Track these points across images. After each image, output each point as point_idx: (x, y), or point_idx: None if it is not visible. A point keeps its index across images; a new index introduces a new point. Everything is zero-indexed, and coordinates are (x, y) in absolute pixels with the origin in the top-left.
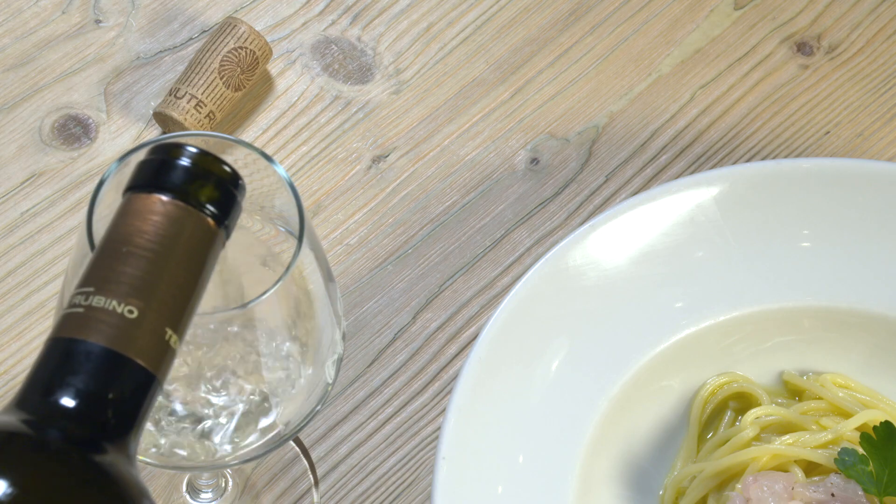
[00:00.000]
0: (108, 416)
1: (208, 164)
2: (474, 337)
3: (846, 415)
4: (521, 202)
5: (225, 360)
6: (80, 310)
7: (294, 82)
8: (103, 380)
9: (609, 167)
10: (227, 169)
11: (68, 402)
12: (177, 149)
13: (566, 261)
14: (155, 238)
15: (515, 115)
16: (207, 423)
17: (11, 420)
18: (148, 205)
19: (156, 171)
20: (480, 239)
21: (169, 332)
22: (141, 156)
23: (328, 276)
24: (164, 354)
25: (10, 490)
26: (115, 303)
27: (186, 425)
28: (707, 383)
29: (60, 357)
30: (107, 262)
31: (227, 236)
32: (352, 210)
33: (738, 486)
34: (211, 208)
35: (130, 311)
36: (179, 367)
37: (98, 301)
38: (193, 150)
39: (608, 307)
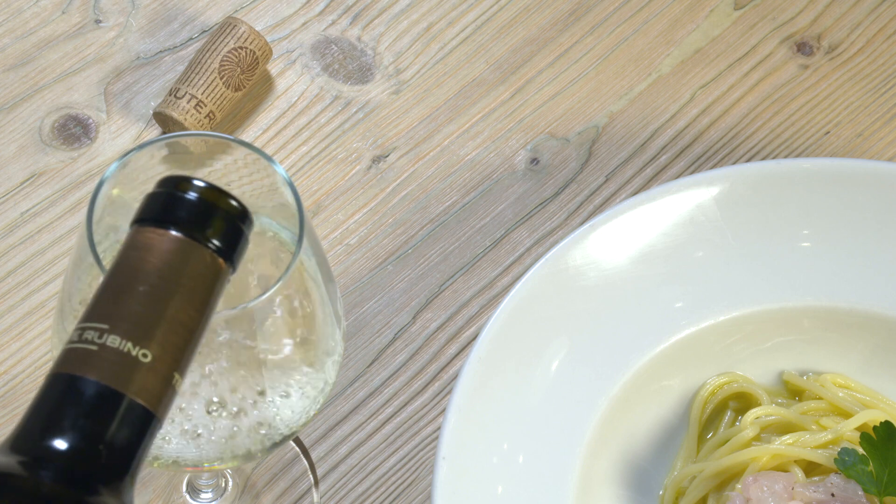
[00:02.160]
0: (112, 459)
1: (216, 199)
2: (474, 337)
3: (846, 415)
4: (521, 202)
5: (225, 360)
6: (94, 347)
7: (294, 82)
8: (114, 423)
9: (609, 167)
10: (234, 204)
11: (72, 443)
12: (185, 182)
13: (566, 261)
14: (165, 275)
15: (515, 115)
16: (206, 425)
17: (9, 460)
18: (155, 239)
19: (163, 204)
20: (480, 239)
21: (176, 375)
22: (142, 157)
23: (328, 276)
24: (171, 397)
25: None
26: (129, 345)
27: (187, 426)
28: (707, 383)
29: (71, 395)
30: (118, 297)
31: (234, 271)
32: (352, 210)
33: (738, 486)
34: (218, 244)
35: (144, 356)
36: None
37: (113, 341)
38: (201, 184)
39: (608, 307)
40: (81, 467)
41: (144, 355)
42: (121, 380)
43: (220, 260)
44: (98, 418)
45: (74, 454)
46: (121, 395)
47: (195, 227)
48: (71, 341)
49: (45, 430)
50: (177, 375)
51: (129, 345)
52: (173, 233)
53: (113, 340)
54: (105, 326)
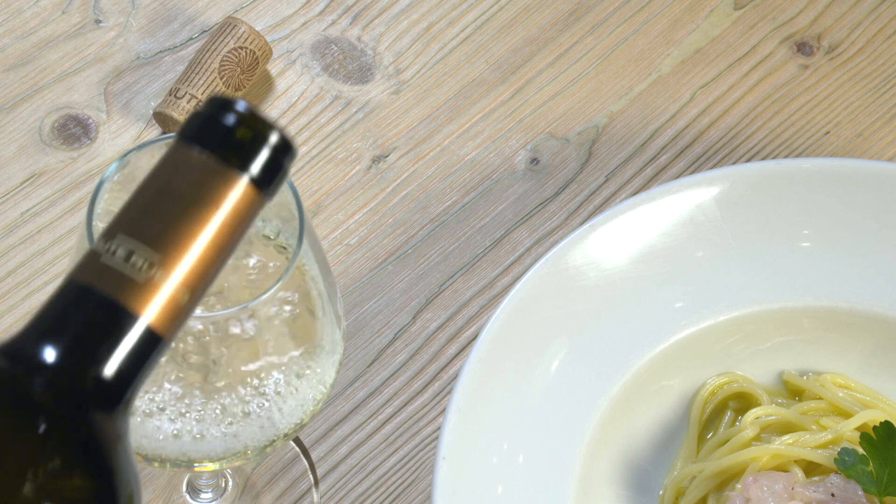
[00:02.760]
0: (114, 381)
1: (259, 127)
2: (474, 337)
3: (846, 415)
4: (521, 202)
5: (225, 360)
6: (138, 275)
7: (294, 82)
8: (126, 346)
9: (609, 167)
10: (276, 133)
11: (75, 356)
12: (229, 104)
13: (566, 261)
14: (202, 200)
15: (515, 115)
16: (207, 423)
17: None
18: (195, 160)
19: (205, 125)
20: (480, 239)
21: (195, 304)
22: (142, 157)
23: (328, 276)
24: (184, 323)
25: None
26: (176, 284)
27: (186, 425)
28: (707, 383)
29: (91, 311)
30: (160, 219)
31: (268, 201)
32: (352, 210)
33: (738, 486)
34: (255, 172)
35: (183, 294)
36: (180, 367)
37: (159, 275)
38: (247, 110)
39: (608, 307)
40: (80, 382)
41: (183, 294)
42: (147, 307)
43: (257, 190)
44: (112, 340)
45: (75, 367)
46: (139, 319)
47: (234, 153)
48: (110, 252)
49: (48, 338)
50: (195, 304)
51: (177, 283)
52: (211, 156)
53: (160, 275)
54: (157, 257)
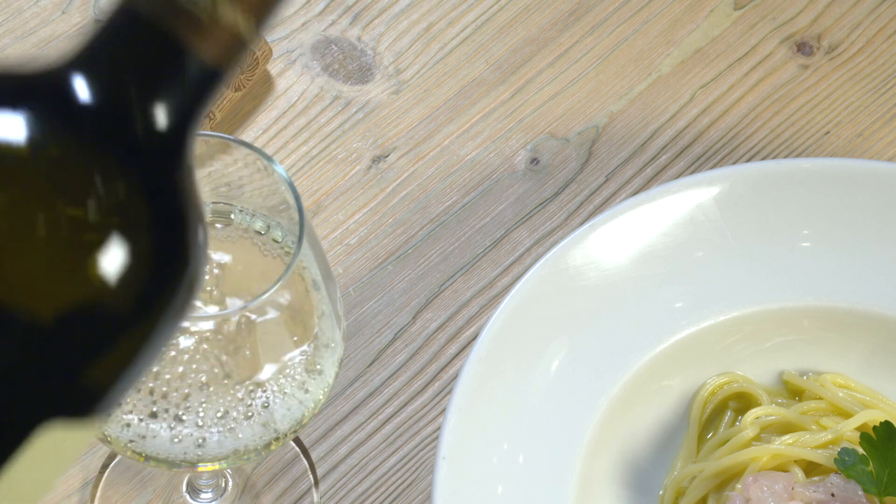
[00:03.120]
0: (179, 122)
1: None
2: (474, 337)
3: (846, 415)
4: (521, 202)
5: (225, 361)
6: (199, 10)
7: (294, 82)
8: (190, 88)
9: (609, 167)
10: None
11: (146, 96)
12: None
13: (566, 261)
14: None
15: (515, 115)
16: (208, 424)
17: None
18: None
19: None
20: (480, 239)
21: (254, 39)
22: None
23: (328, 276)
24: (244, 58)
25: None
26: (240, 18)
27: (186, 426)
28: (707, 383)
29: (159, 49)
30: None
31: None
32: (352, 210)
33: (738, 486)
34: None
35: (247, 31)
36: (179, 367)
37: (224, 11)
38: None
39: (608, 307)
40: (140, 116)
41: (247, 29)
42: (209, 43)
43: None
44: (173, 76)
45: (136, 101)
46: (200, 55)
47: None
48: None
49: (105, 68)
50: (257, 38)
51: (240, 18)
52: None
53: (225, 8)
54: None
